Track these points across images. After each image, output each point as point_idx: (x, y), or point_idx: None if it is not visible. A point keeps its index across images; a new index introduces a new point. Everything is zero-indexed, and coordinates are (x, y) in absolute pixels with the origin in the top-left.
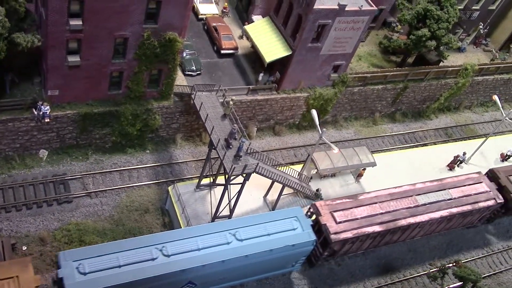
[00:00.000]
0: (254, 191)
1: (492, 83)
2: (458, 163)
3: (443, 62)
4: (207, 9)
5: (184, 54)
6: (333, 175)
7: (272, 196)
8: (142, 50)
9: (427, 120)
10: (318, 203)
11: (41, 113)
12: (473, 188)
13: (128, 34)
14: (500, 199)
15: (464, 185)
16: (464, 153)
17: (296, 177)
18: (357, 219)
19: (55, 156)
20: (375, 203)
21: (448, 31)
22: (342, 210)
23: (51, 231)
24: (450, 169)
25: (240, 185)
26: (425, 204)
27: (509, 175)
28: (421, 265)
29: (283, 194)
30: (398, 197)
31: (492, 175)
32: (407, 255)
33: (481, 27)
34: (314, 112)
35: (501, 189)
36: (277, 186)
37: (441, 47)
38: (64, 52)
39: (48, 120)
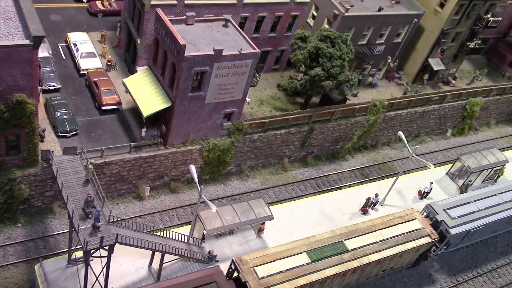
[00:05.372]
0: (138, 260)
1: (407, 117)
2: (371, 205)
3: (349, 100)
4: (89, 64)
5: (58, 114)
6: (231, 233)
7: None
8: None
9: (342, 161)
10: None
11: None
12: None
13: None
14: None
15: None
16: (377, 195)
17: (182, 240)
18: None
19: None
20: None
21: (343, 68)
22: None
23: None
24: (364, 213)
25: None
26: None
27: (448, 208)
28: None
29: (172, 260)
30: None
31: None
32: None
33: (389, 60)
34: (192, 168)
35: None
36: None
37: (342, 85)
38: None
39: None
